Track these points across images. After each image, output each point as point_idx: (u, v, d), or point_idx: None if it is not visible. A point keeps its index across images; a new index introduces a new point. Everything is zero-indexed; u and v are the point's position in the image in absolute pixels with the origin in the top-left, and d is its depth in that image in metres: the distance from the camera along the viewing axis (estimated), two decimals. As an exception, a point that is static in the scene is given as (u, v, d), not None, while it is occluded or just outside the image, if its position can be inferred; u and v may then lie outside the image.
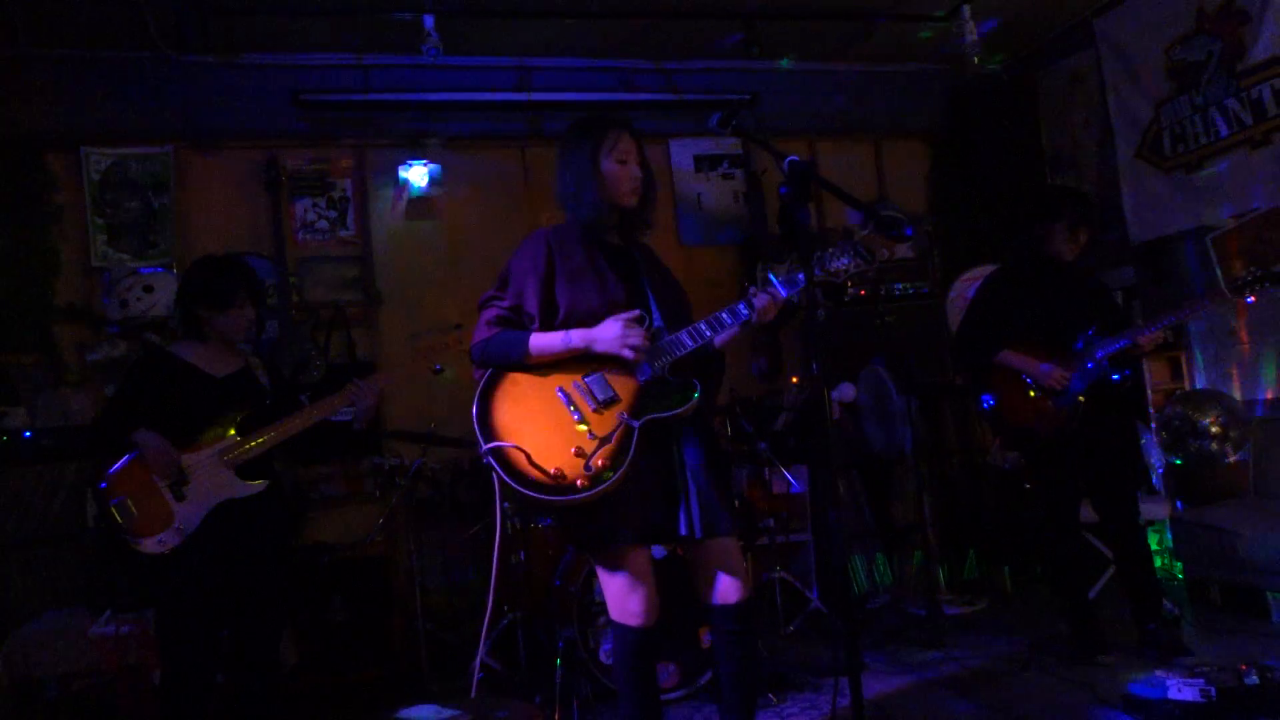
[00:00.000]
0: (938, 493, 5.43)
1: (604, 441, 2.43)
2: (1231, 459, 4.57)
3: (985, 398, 3.87)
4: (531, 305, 2.58)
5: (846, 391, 5.07)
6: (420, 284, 5.31)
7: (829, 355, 5.20)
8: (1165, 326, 3.64)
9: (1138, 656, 3.68)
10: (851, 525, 5.40)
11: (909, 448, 4.62)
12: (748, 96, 5.74)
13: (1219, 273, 4.84)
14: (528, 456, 2.43)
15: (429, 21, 4.58)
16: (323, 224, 5.23)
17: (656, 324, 2.57)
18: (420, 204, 5.36)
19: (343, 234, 5.26)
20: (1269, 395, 4.66)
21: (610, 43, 5.40)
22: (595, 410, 2.48)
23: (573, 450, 2.43)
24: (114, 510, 2.88)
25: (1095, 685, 3.42)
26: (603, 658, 3.72)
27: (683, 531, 2.47)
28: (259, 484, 3.00)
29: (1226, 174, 4.79)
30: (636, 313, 2.51)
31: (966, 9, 5.12)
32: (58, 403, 4.60)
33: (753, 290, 2.51)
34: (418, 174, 5.25)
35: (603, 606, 3.74)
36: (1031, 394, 3.74)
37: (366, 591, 4.25)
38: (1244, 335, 4.77)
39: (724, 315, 2.52)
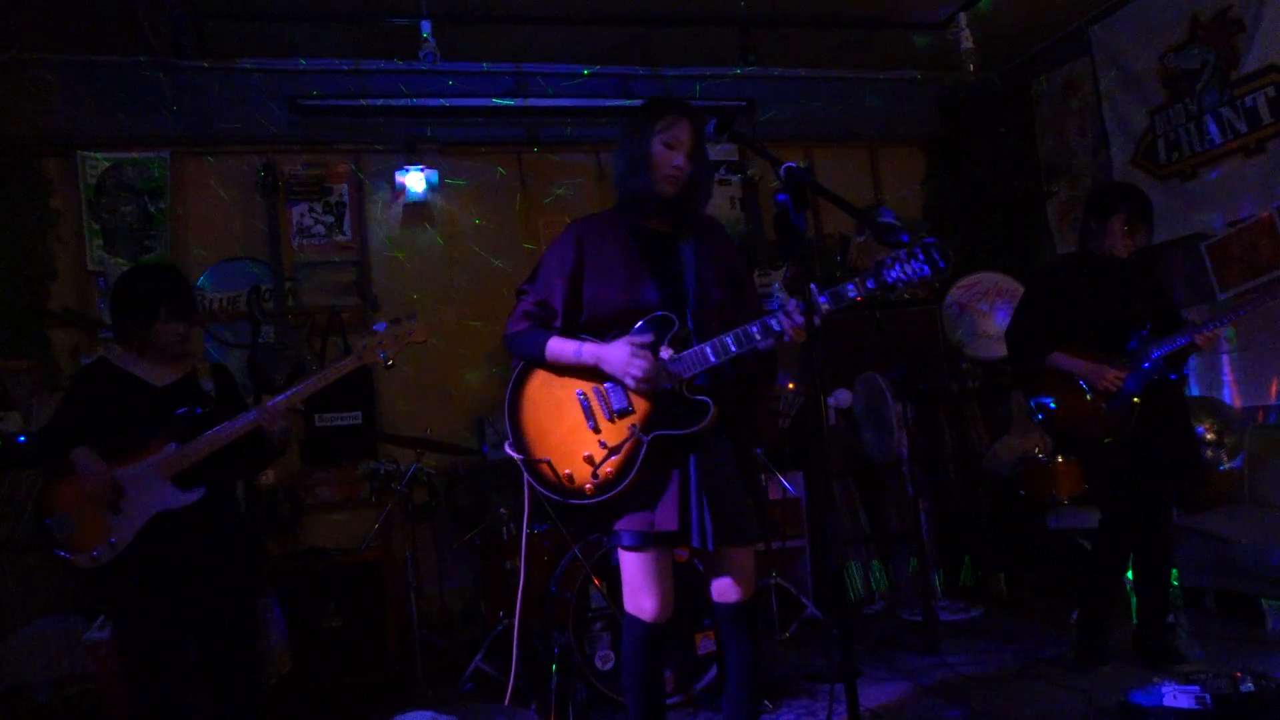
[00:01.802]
0: (933, 499, 5.43)
1: (613, 452, 2.43)
2: (1226, 466, 4.57)
3: (1036, 401, 3.78)
4: (557, 301, 2.56)
5: (843, 398, 5.08)
6: (416, 289, 5.31)
7: (825, 362, 5.21)
8: (1225, 324, 3.54)
9: (1134, 664, 3.68)
10: (847, 531, 5.40)
11: (905, 454, 4.62)
12: (744, 103, 5.75)
13: (1213, 280, 4.86)
14: (543, 460, 2.48)
15: (426, 27, 4.58)
16: (319, 229, 5.23)
17: (689, 327, 2.50)
18: (416, 209, 5.36)
19: (339, 239, 5.25)
20: (1266, 401, 4.67)
21: (607, 49, 5.41)
22: (609, 419, 2.47)
23: (584, 456, 2.46)
24: (50, 526, 2.87)
25: (1092, 693, 3.42)
26: (598, 664, 3.71)
27: (694, 543, 2.45)
28: (195, 493, 2.93)
29: (1221, 182, 4.80)
30: (647, 338, 2.45)
31: (962, 16, 5.14)
32: (52, 407, 4.57)
33: (793, 304, 2.37)
34: (414, 179, 5.25)
35: (598, 613, 3.76)
36: (1086, 397, 3.65)
37: (361, 597, 4.23)
38: (1238, 342, 4.78)
39: (754, 330, 2.39)
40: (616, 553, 2.51)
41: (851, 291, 2.37)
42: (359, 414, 5.01)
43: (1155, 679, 3.07)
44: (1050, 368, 3.71)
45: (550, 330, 2.56)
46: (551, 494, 2.49)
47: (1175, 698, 2.91)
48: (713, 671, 3.70)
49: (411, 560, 4.26)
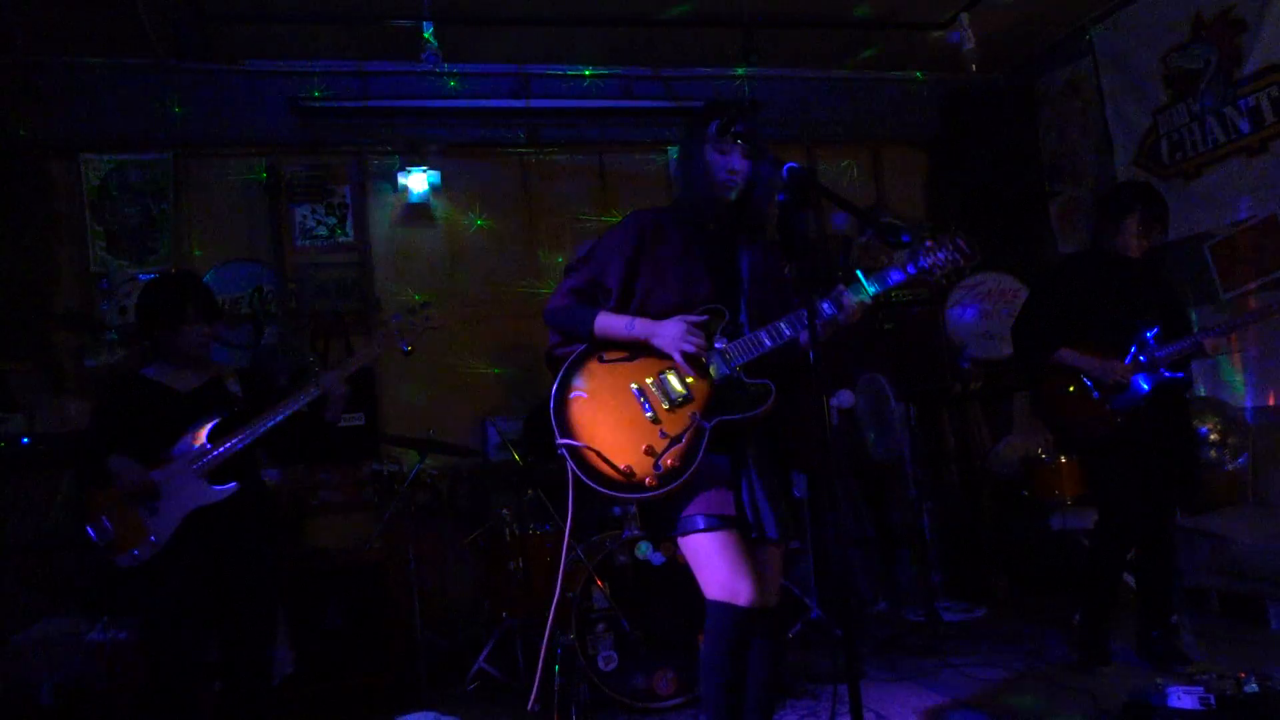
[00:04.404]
0: (936, 499, 5.43)
1: (674, 441, 2.40)
2: (1230, 466, 4.57)
3: (1040, 398, 3.78)
4: (611, 281, 2.53)
5: (845, 398, 5.07)
6: (419, 291, 5.31)
7: (828, 361, 5.19)
8: (1234, 329, 3.55)
9: (1137, 664, 3.68)
10: (850, 532, 5.39)
11: (907, 454, 4.62)
12: (746, 104, 5.75)
13: (1216, 280, 4.85)
14: (599, 454, 2.42)
15: (428, 28, 4.59)
16: (321, 230, 5.24)
17: (741, 319, 2.50)
18: (419, 211, 5.36)
19: (341, 240, 5.26)
20: (1271, 402, 4.67)
21: (609, 50, 5.41)
22: (668, 409, 2.44)
23: (643, 448, 2.41)
24: (92, 530, 2.97)
25: (1095, 693, 3.41)
26: (601, 664, 3.71)
27: (751, 534, 2.44)
28: (229, 487, 3.01)
29: (1224, 181, 4.80)
30: (703, 317, 2.45)
31: (964, 17, 5.13)
32: (55, 409, 4.59)
33: (840, 288, 2.41)
34: (417, 181, 5.25)
35: (601, 613, 3.75)
36: (1090, 394, 3.64)
37: (364, 598, 4.23)
38: (1241, 343, 4.77)
39: (806, 313, 2.39)
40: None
41: (896, 275, 2.43)
42: (361, 415, 5.01)
43: (1159, 680, 3.07)
44: (1056, 364, 3.70)
45: (598, 306, 2.53)
46: (609, 490, 2.41)
47: (1179, 698, 2.91)
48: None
49: (414, 561, 4.26)
